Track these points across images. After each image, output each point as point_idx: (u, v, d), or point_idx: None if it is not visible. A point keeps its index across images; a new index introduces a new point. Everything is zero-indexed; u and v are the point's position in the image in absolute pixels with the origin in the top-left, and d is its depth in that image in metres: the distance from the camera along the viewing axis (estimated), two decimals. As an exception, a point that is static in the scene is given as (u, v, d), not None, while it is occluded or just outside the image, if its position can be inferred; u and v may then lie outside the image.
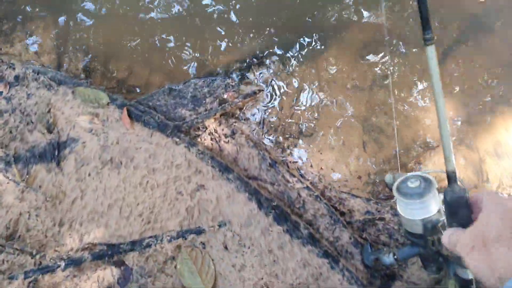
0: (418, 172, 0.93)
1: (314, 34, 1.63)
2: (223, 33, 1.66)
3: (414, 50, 1.58)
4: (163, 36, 1.67)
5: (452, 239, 0.59)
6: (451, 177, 0.69)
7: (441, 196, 0.85)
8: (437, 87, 0.71)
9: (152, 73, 1.63)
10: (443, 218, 0.81)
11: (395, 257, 1.03)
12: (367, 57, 1.58)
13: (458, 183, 0.72)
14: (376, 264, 1.17)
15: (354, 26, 1.63)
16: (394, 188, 0.89)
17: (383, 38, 1.60)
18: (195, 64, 1.63)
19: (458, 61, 1.55)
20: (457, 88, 1.51)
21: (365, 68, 1.57)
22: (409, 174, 0.90)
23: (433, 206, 0.85)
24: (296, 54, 1.61)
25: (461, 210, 0.63)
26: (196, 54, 1.64)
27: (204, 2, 1.71)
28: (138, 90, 1.60)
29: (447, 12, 1.61)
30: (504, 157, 1.41)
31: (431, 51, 0.71)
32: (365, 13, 1.65)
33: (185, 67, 1.63)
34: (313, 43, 1.62)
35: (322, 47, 1.61)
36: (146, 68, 1.63)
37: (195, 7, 1.71)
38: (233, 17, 1.68)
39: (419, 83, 1.53)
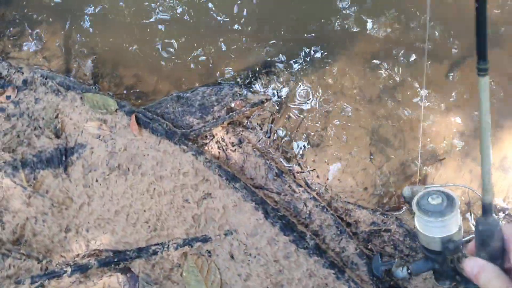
0: (439, 186, 0.89)
1: (322, 44, 1.64)
2: (231, 41, 1.67)
3: (421, 61, 1.59)
4: (171, 43, 1.68)
5: (477, 273, 0.60)
6: (488, 208, 0.67)
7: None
8: (485, 118, 0.66)
9: (160, 80, 1.63)
10: (468, 237, 0.79)
11: (409, 270, 1.02)
12: (375, 68, 1.59)
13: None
14: (385, 275, 1.16)
15: (362, 37, 1.64)
16: (413, 203, 0.85)
17: (391, 49, 1.61)
18: (203, 72, 1.63)
19: (465, 74, 1.56)
20: (463, 102, 1.52)
21: (374, 79, 1.58)
22: (429, 188, 0.86)
23: (453, 225, 0.82)
24: (304, 64, 1.62)
25: (492, 243, 0.63)
26: (204, 62, 1.65)
27: (212, 11, 1.72)
28: (146, 97, 1.61)
29: (453, 25, 1.62)
30: (510, 171, 1.42)
31: (485, 83, 0.65)
32: (374, 24, 1.65)
33: (192, 75, 1.63)
34: (322, 53, 1.63)
35: (331, 57, 1.62)
36: (154, 75, 1.64)
37: (203, 16, 1.72)
38: (241, 26, 1.69)
39: (426, 95, 1.54)
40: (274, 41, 1.66)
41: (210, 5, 1.73)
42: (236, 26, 1.69)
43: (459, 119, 1.50)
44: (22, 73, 1.60)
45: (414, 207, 0.84)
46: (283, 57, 1.63)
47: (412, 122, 1.51)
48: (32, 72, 1.59)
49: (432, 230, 0.82)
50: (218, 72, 1.63)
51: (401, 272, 1.03)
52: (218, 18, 1.71)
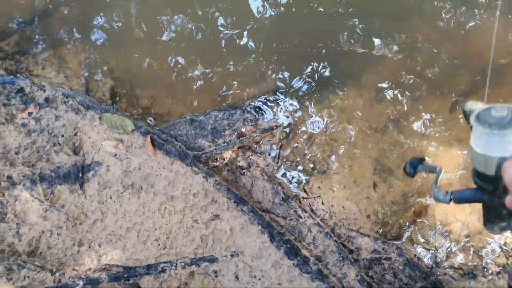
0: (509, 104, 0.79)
1: (332, 75, 1.71)
2: (243, 68, 1.74)
3: (426, 87, 1.65)
4: (186, 66, 1.76)
5: None
6: None
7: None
8: None
9: (174, 102, 1.71)
10: None
11: (451, 196, 0.83)
12: (382, 99, 1.65)
13: None
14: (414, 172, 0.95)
15: (371, 68, 1.71)
16: (473, 115, 0.72)
17: (398, 80, 1.67)
18: (216, 96, 1.71)
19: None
20: (466, 135, 1.58)
21: (380, 109, 1.64)
22: (497, 104, 0.72)
23: None
24: (314, 94, 1.68)
25: None
26: (217, 87, 1.72)
27: (226, 38, 1.80)
28: (160, 118, 1.68)
29: (457, 62, 1.68)
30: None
31: None
32: (383, 54, 1.72)
33: (205, 99, 1.71)
34: (330, 82, 1.70)
35: (339, 87, 1.69)
36: (169, 97, 1.72)
37: (217, 42, 1.80)
38: (255, 54, 1.76)
39: (430, 120, 1.60)
40: (285, 70, 1.73)
41: (227, 43, 1.81)
42: (249, 53, 1.77)
43: (462, 151, 1.56)
44: (44, 90, 1.67)
45: (473, 119, 0.71)
46: (293, 85, 1.70)
47: (416, 152, 1.56)
48: (54, 90, 1.67)
49: (490, 146, 0.69)
50: (230, 97, 1.71)
51: (441, 195, 0.84)
52: (232, 45, 1.79)
